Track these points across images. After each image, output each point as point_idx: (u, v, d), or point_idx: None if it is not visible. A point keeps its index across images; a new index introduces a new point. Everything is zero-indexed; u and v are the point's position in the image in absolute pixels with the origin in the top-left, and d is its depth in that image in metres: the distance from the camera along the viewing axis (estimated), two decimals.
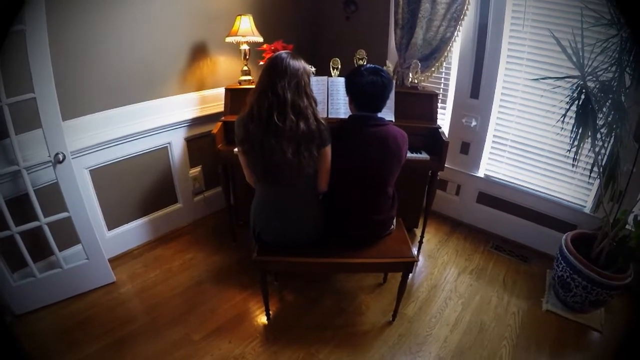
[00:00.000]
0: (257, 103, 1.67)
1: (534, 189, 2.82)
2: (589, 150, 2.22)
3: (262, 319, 2.21)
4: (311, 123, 1.69)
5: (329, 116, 2.47)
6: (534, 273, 2.66)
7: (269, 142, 1.66)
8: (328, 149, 1.78)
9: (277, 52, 1.74)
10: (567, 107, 2.18)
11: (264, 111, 1.65)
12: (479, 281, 2.56)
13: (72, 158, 2.20)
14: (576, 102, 2.15)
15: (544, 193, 2.78)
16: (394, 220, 2.09)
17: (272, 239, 1.94)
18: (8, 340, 1.68)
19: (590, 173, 2.28)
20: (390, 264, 1.96)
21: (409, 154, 2.28)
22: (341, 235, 1.99)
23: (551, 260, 2.60)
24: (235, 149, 1.86)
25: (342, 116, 2.45)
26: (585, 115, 2.14)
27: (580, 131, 2.15)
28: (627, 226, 2.21)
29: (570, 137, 2.20)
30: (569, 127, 2.19)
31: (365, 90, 1.79)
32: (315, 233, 1.96)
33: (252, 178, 1.90)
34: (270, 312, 2.21)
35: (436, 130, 2.47)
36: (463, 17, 2.63)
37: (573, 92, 2.17)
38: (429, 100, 2.56)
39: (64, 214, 2.16)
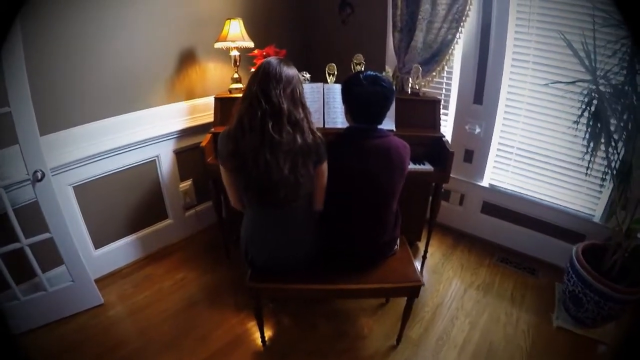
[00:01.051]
0: (248, 112, 1.50)
1: (540, 198, 2.69)
2: (603, 159, 2.11)
3: (259, 344, 2.07)
4: (307, 136, 1.54)
5: (326, 126, 2.33)
6: (542, 286, 2.54)
7: (264, 157, 1.49)
8: (325, 166, 1.64)
9: (268, 59, 1.58)
10: (579, 112, 2.07)
11: (256, 121, 1.48)
12: (486, 297, 2.43)
13: (55, 174, 2.10)
14: (588, 107, 2.04)
15: (551, 202, 2.65)
16: (398, 240, 1.95)
17: (267, 263, 1.77)
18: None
19: (603, 181, 2.17)
20: (395, 288, 1.81)
21: (411, 166, 2.15)
22: (342, 258, 1.84)
23: (559, 271, 2.50)
24: None
25: (340, 126, 2.31)
26: (598, 121, 2.03)
27: (593, 138, 2.05)
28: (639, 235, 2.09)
29: (583, 145, 2.09)
30: (580, 134, 2.09)
31: (363, 102, 1.63)
32: (313, 256, 1.80)
33: (239, 202, 1.74)
34: (267, 337, 2.07)
35: (440, 139, 2.33)
36: (465, 19, 2.50)
37: (584, 97, 2.06)
38: (432, 107, 2.43)
39: (45, 235, 2.03)
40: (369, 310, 2.30)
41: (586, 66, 2.06)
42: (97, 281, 2.40)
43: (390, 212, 1.79)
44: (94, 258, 2.49)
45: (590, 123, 2.06)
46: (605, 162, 2.09)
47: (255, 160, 1.50)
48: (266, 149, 1.48)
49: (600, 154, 2.12)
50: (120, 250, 2.64)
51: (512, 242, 2.89)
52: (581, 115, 2.06)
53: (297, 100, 1.54)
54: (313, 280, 1.76)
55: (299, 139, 1.51)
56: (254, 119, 1.48)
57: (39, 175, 1.92)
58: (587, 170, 2.14)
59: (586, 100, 2.06)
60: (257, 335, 2.08)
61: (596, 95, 2.02)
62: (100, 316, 2.27)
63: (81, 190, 2.32)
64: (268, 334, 2.12)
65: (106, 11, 2.15)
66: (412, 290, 1.81)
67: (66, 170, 2.20)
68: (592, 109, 2.04)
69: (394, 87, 1.82)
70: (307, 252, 1.78)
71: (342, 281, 1.77)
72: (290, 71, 1.54)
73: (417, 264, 2.65)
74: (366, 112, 1.67)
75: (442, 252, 2.87)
